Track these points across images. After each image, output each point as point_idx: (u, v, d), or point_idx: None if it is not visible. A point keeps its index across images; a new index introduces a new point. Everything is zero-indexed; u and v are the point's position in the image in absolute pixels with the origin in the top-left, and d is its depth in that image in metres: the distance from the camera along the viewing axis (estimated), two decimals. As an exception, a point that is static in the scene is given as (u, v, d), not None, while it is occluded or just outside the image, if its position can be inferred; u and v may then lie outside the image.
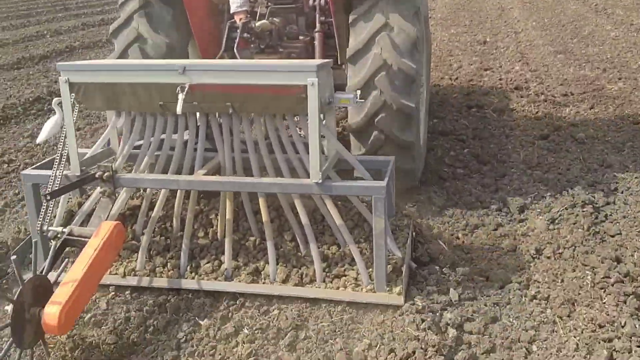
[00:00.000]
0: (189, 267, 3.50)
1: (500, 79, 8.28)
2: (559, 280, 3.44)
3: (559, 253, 3.72)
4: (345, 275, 3.37)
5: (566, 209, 4.23)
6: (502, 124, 6.30)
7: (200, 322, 3.17)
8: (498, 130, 6.08)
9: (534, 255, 3.75)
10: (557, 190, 4.60)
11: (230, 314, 3.23)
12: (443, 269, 3.49)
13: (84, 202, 3.67)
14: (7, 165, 5.76)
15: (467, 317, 3.12)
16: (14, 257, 2.89)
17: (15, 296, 2.73)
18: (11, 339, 2.71)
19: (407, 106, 3.97)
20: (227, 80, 3.19)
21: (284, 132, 3.47)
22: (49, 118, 4.00)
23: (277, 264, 3.44)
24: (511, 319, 3.15)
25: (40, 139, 4.81)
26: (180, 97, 3.16)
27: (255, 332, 3.05)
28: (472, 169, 5.12)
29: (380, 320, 3.08)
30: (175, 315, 3.25)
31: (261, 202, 3.52)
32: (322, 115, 3.28)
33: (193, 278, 3.45)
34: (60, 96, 3.44)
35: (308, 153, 3.25)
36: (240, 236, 3.62)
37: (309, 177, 3.24)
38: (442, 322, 3.04)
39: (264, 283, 3.40)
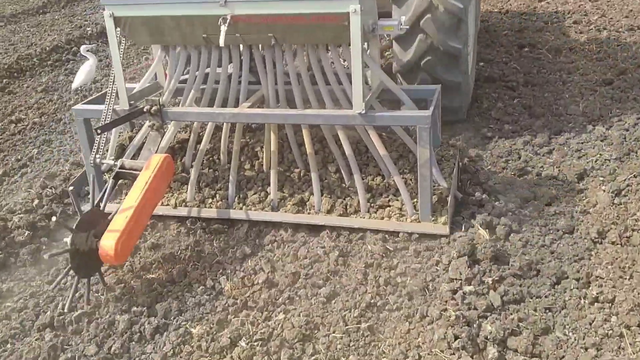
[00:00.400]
0: (236, 198, 3.59)
1: (556, 12, 7.28)
2: (627, 276, 2.82)
3: (627, 237, 3.07)
4: (389, 206, 3.40)
5: (635, 176, 3.57)
6: (558, 66, 5.54)
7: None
8: (553, 75, 5.34)
9: (596, 240, 3.13)
10: (623, 152, 3.92)
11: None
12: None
13: (134, 136, 3.79)
14: (14, 125, 5.33)
15: (511, 329, 2.57)
16: (70, 188, 3.02)
17: (74, 226, 2.88)
18: (69, 266, 2.87)
19: (453, 48, 3.94)
20: (269, 10, 3.15)
21: (327, 63, 3.43)
22: (78, 66, 4.03)
23: (322, 195, 3.49)
24: (567, 331, 2.58)
25: (75, 85, 4.92)
26: (223, 29, 3.15)
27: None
28: (522, 125, 4.48)
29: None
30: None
31: (305, 134, 3.54)
32: (365, 45, 3.23)
33: (241, 209, 3.54)
34: (86, 43, 3.50)
35: (351, 84, 3.22)
36: (285, 168, 3.67)
37: (352, 108, 3.23)
38: (481, 336, 2.52)
39: (309, 213, 3.47)
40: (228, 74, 3.64)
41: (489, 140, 4.36)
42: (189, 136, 3.81)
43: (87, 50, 4.77)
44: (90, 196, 3.10)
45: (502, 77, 5.32)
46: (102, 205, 3.08)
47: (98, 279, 3.05)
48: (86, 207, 3.17)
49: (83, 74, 4.98)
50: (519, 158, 4.08)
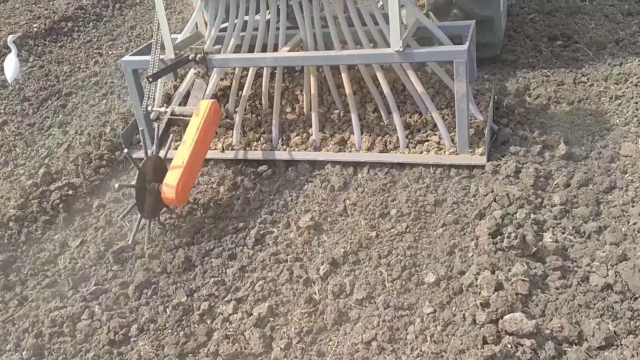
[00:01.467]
0: (280, 140, 3.76)
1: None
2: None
3: None
4: (427, 141, 3.54)
5: None
6: (602, 70, 4.25)
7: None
8: (597, 87, 4.06)
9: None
10: None
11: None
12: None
13: (179, 85, 3.96)
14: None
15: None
16: (126, 151, 3.18)
17: (140, 165, 3.08)
18: (134, 202, 3.09)
19: None
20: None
21: (363, 4, 3.52)
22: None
23: (362, 133, 3.64)
24: None
25: (10, 78, 5.10)
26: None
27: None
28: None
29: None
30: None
31: (343, 75, 3.67)
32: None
33: (285, 150, 3.72)
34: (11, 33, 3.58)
35: (387, 24, 3.31)
36: (325, 109, 3.82)
37: (389, 47, 3.33)
38: None
39: (350, 152, 3.63)
40: (266, 20, 3.75)
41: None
42: (231, 83, 3.97)
43: (12, 42, 5.19)
44: (142, 144, 3.28)
45: (527, 91, 4.08)
46: (159, 150, 3.28)
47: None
48: (139, 155, 3.37)
49: (11, 67, 5.22)
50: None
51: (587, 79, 4.18)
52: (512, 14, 5.32)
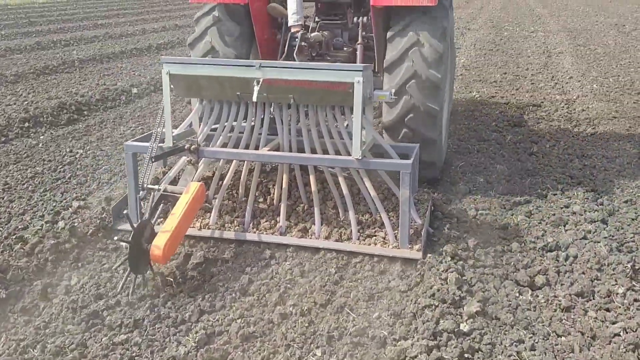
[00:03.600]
0: (251, 224, 4.42)
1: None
2: None
3: None
4: (375, 236, 4.26)
5: None
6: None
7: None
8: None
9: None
10: None
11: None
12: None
13: (167, 171, 4.63)
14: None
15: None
16: (125, 212, 3.76)
17: (130, 236, 3.66)
18: (126, 257, 3.63)
19: (432, 109, 4.82)
20: (292, 76, 4.11)
21: (332, 122, 4.37)
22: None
23: (322, 224, 4.34)
24: None
25: None
26: (256, 88, 4.10)
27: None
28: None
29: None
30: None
31: (311, 176, 4.44)
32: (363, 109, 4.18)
33: (254, 233, 4.36)
34: None
35: (350, 139, 4.15)
36: (291, 202, 4.54)
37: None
38: None
39: (310, 238, 4.30)
40: (251, 126, 4.55)
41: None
42: (212, 174, 4.67)
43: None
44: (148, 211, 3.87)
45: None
46: (150, 218, 3.88)
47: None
48: (124, 227, 3.96)
49: None
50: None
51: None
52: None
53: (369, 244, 4.21)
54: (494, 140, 6.82)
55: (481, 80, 10.37)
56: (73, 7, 26.71)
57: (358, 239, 4.25)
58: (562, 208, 4.97)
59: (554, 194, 5.25)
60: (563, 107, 8.43)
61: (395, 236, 4.18)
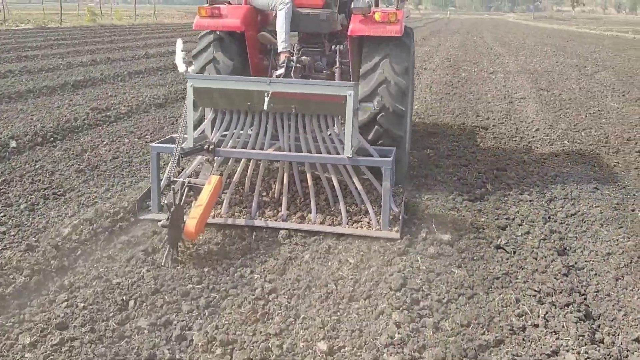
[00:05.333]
0: (257, 213, 5.29)
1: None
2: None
3: None
4: (361, 221, 5.21)
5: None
6: None
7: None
8: None
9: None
10: None
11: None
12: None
13: (183, 170, 5.48)
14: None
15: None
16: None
17: (170, 212, 4.49)
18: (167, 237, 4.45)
19: (400, 109, 5.86)
20: (295, 90, 5.07)
21: (323, 128, 5.33)
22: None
23: (316, 212, 5.26)
24: None
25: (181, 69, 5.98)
26: (266, 99, 5.03)
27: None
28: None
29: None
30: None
31: (307, 174, 5.37)
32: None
33: (261, 220, 5.24)
34: None
35: (340, 143, 5.12)
36: (290, 195, 5.45)
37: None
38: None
39: (307, 223, 5.21)
40: (256, 133, 5.45)
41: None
42: (221, 173, 5.54)
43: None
44: (163, 200, 4.69)
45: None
46: (179, 204, 4.72)
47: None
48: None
49: (179, 58, 5.63)
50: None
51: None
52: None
53: (356, 227, 5.16)
54: (451, 223, 5.28)
55: (436, 133, 8.92)
56: (7, 35, 24.75)
57: (347, 224, 5.18)
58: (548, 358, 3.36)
59: (535, 325, 3.66)
60: (532, 172, 6.99)
61: (378, 221, 5.14)
